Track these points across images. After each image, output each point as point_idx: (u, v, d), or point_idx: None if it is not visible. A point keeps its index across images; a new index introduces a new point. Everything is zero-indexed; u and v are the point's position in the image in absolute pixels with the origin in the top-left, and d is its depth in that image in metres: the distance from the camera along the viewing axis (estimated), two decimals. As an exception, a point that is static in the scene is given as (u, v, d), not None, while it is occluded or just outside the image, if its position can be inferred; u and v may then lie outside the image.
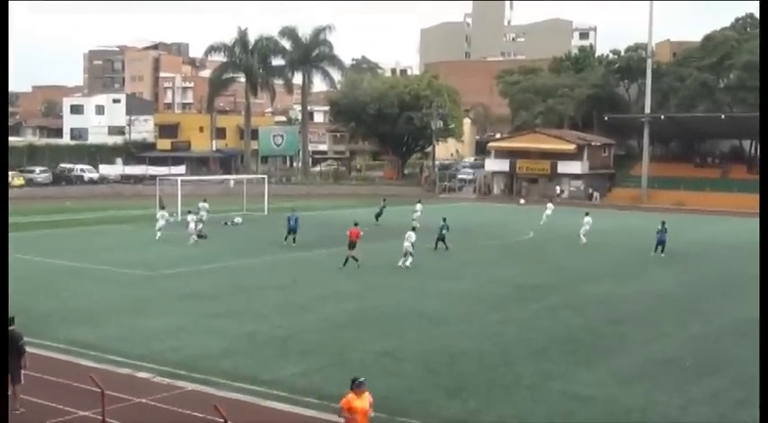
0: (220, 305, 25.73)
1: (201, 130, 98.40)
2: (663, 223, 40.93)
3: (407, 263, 33.67)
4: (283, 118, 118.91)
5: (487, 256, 38.87)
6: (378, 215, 51.52)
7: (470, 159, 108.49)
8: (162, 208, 44.64)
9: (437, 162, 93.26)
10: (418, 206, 51.45)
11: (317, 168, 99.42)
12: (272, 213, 56.99)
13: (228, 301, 26.36)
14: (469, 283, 31.05)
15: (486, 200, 79.46)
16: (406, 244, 33.89)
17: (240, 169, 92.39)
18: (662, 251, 39.78)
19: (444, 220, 40.39)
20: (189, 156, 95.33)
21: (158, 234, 42.18)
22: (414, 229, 35.51)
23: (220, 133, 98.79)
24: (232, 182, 76.06)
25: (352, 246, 34.25)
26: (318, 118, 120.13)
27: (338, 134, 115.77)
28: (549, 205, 56.91)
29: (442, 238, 39.69)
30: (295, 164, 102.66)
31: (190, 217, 42.19)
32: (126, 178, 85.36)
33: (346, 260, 33.70)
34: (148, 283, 29.87)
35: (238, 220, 50.86)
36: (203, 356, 19.54)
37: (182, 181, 55.31)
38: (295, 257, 36.89)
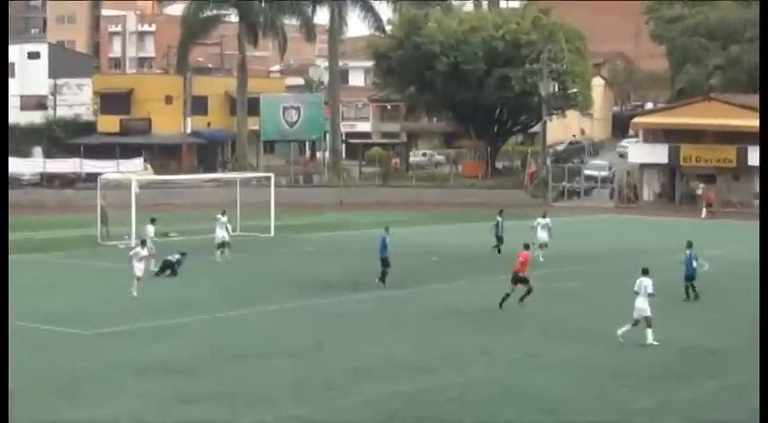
0: (201, 383, 25.95)
1: (169, 100, 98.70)
2: None
3: (650, 338, 30.75)
4: (300, 81, 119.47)
5: (635, 300, 38.63)
6: (499, 238, 50.61)
7: (629, 141, 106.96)
8: (152, 221, 45.81)
9: (550, 150, 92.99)
10: (540, 220, 50.00)
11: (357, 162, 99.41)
12: (281, 234, 57.25)
13: (214, 377, 26.58)
14: (605, 345, 30.94)
15: (633, 210, 78.97)
16: (641, 302, 31.13)
17: (231, 163, 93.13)
18: None
19: (690, 244, 39.68)
20: (149, 142, 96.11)
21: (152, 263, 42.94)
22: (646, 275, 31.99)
23: (199, 105, 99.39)
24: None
25: (518, 279, 35.51)
26: (356, 80, 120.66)
27: (389, 106, 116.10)
28: None
29: (691, 278, 39.14)
30: (319, 154, 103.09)
31: (127, 245, 42.76)
32: (49, 179, 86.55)
33: (505, 297, 35.42)
34: (87, 346, 30.22)
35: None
36: (175, 465, 19.79)
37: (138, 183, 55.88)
38: (317, 306, 37.13)
